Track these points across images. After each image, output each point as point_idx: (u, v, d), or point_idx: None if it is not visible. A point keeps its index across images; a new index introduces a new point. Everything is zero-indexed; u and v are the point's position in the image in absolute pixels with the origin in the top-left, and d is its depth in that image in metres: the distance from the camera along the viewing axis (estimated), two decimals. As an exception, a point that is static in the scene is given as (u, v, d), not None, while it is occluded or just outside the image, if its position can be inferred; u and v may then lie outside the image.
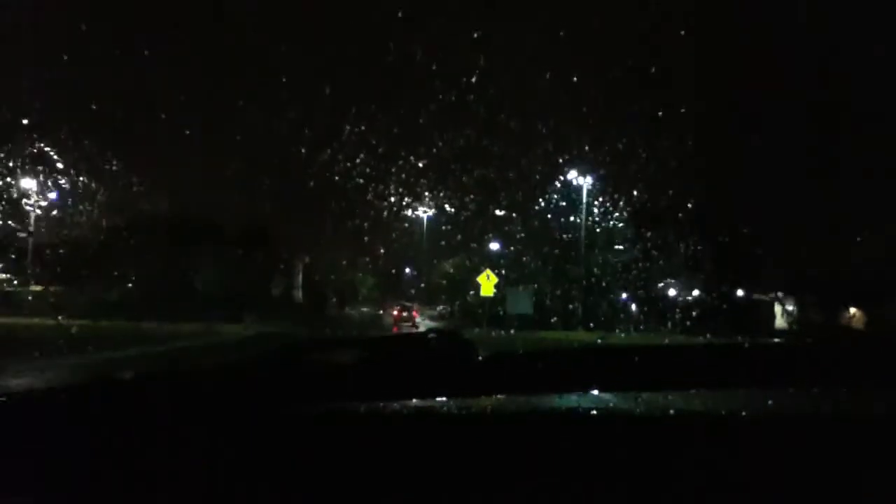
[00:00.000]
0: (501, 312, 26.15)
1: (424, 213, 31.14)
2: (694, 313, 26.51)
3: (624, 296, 31.86)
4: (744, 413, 1.23)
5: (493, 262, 33.89)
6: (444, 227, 41.11)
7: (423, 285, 65.61)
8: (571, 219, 27.75)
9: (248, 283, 24.22)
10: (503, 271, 27.65)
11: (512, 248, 30.58)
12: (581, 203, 26.79)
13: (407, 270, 73.96)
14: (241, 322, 18.58)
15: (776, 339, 19.21)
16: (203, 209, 29.49)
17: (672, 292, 35.70)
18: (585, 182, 26.95)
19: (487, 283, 25.86)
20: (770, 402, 1.29)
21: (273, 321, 18.74)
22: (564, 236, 28.97)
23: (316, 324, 20.04)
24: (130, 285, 30.95)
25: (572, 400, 1.27)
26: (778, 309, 35.29)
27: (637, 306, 32.48)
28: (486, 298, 26.35)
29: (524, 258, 29.30)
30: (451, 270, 42.43)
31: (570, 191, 27.40)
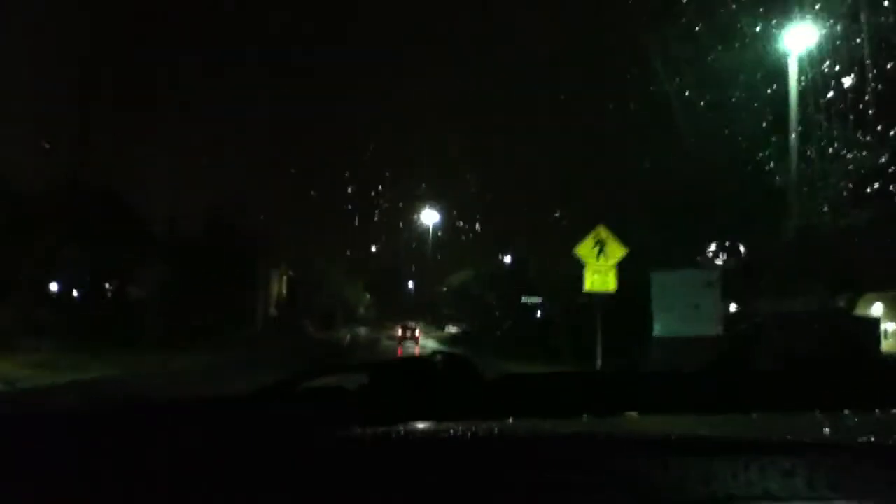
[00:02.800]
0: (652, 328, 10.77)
1: (434, 208, 21.94)
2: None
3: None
4: None
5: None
6: (459, 225, 33.96)
7: (425, 301, 58.18)
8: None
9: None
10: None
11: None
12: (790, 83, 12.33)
13: (410, 285, 66.97)
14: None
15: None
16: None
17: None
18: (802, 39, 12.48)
19: (600, 264, 10.62)
20: None
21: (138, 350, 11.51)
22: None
23: (264, 352, 12.68)
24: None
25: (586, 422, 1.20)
26: (881, 328, 28.44)
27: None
28: (598, 298, 11.14)
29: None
30: (466, 279, 34.61)
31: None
